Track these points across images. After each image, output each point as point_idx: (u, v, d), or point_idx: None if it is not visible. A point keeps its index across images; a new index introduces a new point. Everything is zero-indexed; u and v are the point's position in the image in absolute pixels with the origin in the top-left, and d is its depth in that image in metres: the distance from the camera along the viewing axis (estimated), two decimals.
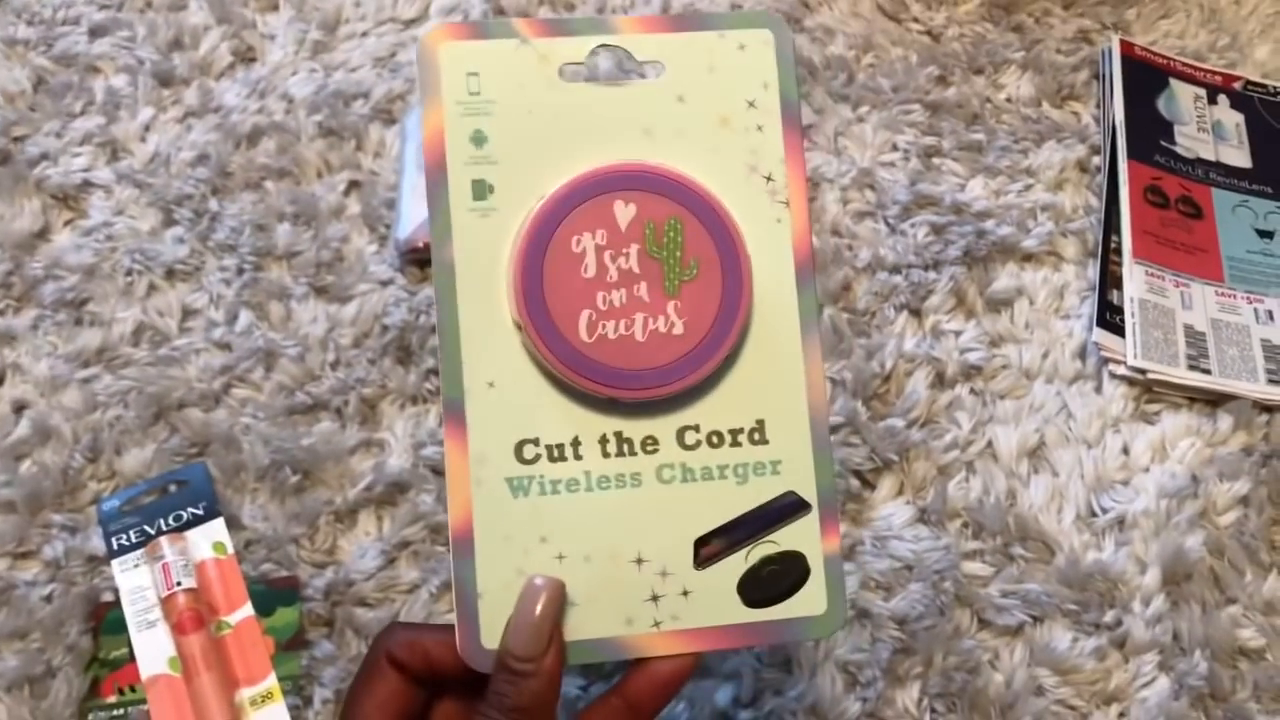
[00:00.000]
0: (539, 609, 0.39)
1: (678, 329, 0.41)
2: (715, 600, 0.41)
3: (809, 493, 0.42)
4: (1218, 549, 0.63)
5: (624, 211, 0.41)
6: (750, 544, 0.42)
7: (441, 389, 0.41)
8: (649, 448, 0.41)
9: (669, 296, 0.41)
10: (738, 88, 0.43)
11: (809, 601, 0.42)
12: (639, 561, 0.41)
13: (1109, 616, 0.60)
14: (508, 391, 0.41)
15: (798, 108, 0.43)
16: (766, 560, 0.42)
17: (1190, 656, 0.59)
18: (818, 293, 0.42)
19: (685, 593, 0.41)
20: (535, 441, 0.41)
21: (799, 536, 0.42)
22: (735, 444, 0.42)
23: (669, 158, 0.42)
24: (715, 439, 0.42)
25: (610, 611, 0.41)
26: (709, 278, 0.41)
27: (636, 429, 0.41)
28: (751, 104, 0.43)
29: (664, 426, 0.41)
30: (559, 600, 0.40)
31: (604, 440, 0.41)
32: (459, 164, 0.41)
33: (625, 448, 0.41)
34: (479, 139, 0.41)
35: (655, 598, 0.41)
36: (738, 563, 0.42)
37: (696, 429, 0.42)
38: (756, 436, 0.42)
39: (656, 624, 0.41)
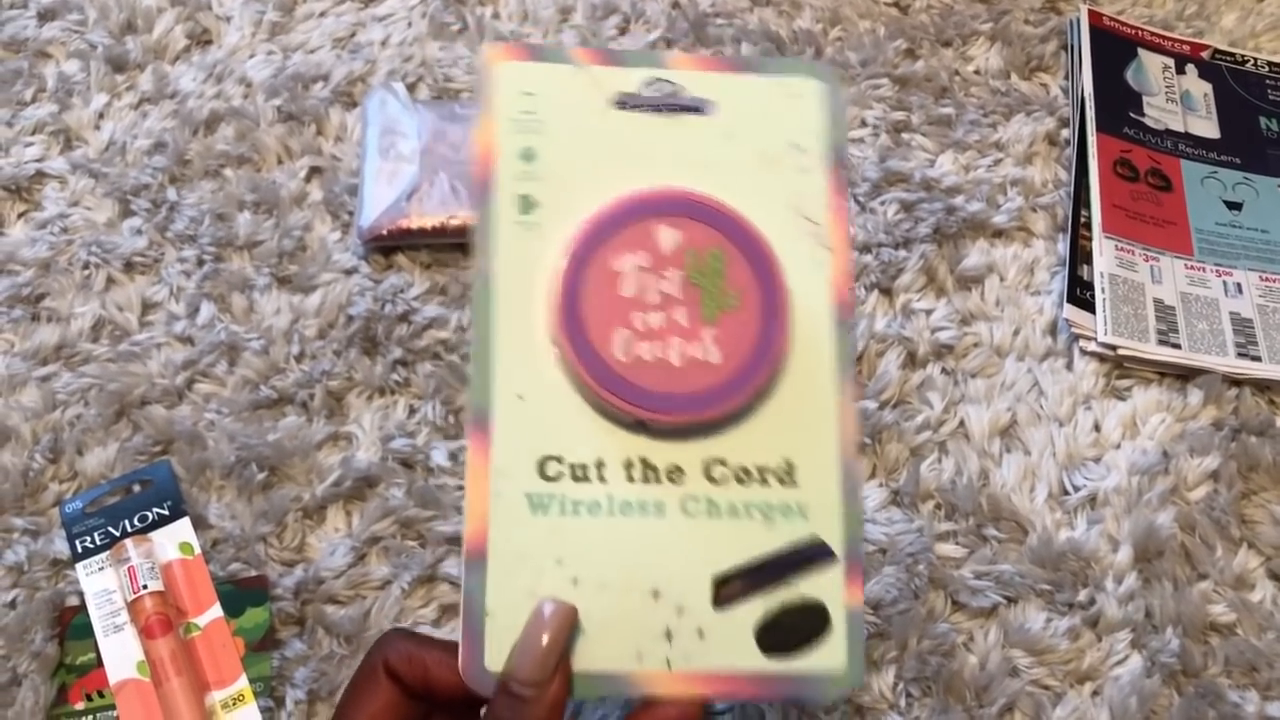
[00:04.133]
0: (548, 634, 0.37)
1: (714, 357, 0.40)
2: (731, 643, 0.40)
3: (835, 541, 0.41)
4: (1188, 525, 0.63)
5: (668, 236, 0.41)
6: (771, 588, 0.40)
7: (469, 396, 0.40)
8: (674, 477, 0.40)
9: (707, 324, 0.41)
10: (786, 132, 0.43)
11: (827, 655, 0.40)
12: (656, 595, 0.40)
13: (1082, 595, 0.61)
14: (536, 405, 0.40)
15: (845, 159, 0.43)
16: (787, 607, 0.40)
17: (1162, 633, 0.60)
18: (855, 337, 0.43)
19: (700, 632, 0.40)
20: (559, 459, 0.40)
21: (822, 586, 0.41)
22: (763, 482, 0.41)
23: (714, 191, 0.42)
24: (743, 475, 0.41)
25: (621, 644, 0.39)
26: (748, 310, 0.41)
27: (663, 456, 0.40)
28: (799, 148, 0.43)
29: (691, 456, 0.41)
30: (569, 626, 0.38)
31: (629, 465, 0.40)
32: (507, 178, 0.41)
33: (650, 474, 0.40)
34: (528, 155, 0.42)
35: (669, 634, 0.40)
36: (757, 607, 0.40)
37: (724, 463, 0.41)
38: (785, 478, 0.41)
39: (668, 662, 0.39)
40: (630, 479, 0.40)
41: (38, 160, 0.70)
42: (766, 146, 0.43)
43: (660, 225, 0.41)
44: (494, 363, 0.40)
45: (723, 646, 0.40)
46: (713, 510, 0.40)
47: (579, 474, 0.40)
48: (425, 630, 0.57)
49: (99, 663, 0.54)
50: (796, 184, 0.43)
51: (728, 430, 0.41)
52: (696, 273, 0.41)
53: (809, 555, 0.41)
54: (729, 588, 0.40)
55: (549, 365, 0.40)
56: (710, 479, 0.40)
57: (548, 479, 0.40)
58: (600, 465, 0.40)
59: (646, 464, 0.40)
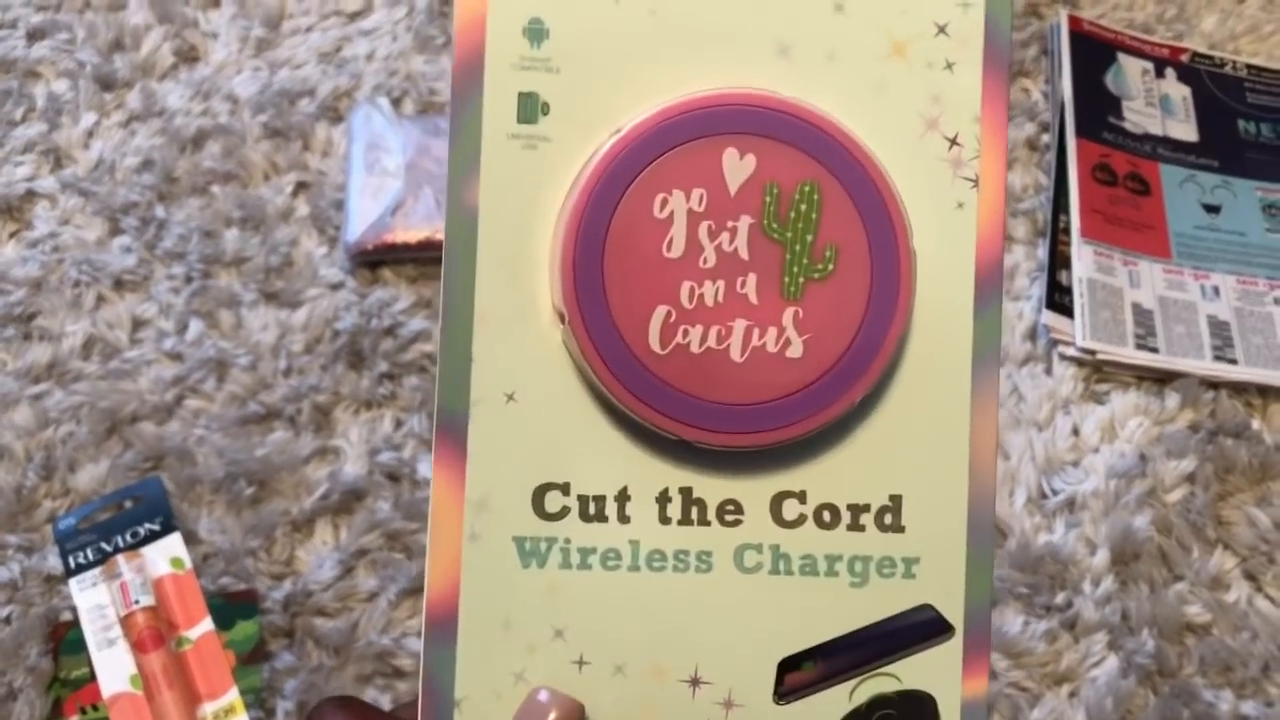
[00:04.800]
0: None
1: (794, 349, 0.29)
2: None
3: (953, 608, 0.30)
4: (1165, 527, 0.64)
5: (737, 165, 0.29)
6: (860, 675, 0.30)
7: (437, 396, 0.29)
8: (728, 517, 0.30)
9: (788, 300, 0.29)
10: (923, 2, 0.30)
11: None
12: (694, 683, 0.30)
13: (1059, 598, 0.62)
14: (534, 411, 0.29)
15: (1008, 43, 0.30)
16: (881, 701, 0.30)
17: (1138, 635, 0.61)
18: (1001, 318, 0.31)
19: None
20: (564, 488, 0.29)
21: (931, 671, 0.30)
22: (856, 526, 0.30)
23: (811, 93, 0.29)
24: (828, 516, 0.30)
25: None
26: (850, 278, 0.29)
27: (713, 488, 0.30)
28: (942, 29, 0.30)
29: (754, 489, 0.30)
30: None
31: (664, 498, 0.30)
32: (502, 66, 0.29)
33: (694, 513, 0.30)
34: (537, 32, 0.29)
35: None
36: (838, 700, 0.30)
37: (801, 498, 0.30)
38: (889, 519, 0.30)
39: None
40: (665, 519, 0.30)
41: (28, 180, 0.71)
42: (893, 25, 0.30)
43: (727, 147, 0.29)
44: (474, 346, 0.29)
45: None
46: (782, 565, 0.30)
47: (592, 511, 0.29)
48: (412, 643, 0.58)
49: (93, 677, 0.56)
50: (935, 84, 0.30)
51: (811, 453, 0.30)
52: (775, 222, 0.29)
53: (916, 629, 0.30)
54: (799, 674, 0.30)
55: (553, 353, 0.29)
56: (780, 521, 0.30)
57: (547, 517, 0.29)
58: (623, 498, 0.29)
59: (689, 498, 0.30)
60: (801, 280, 0.29)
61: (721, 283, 0.29)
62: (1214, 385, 0.69)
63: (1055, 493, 0.65)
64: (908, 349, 0.30)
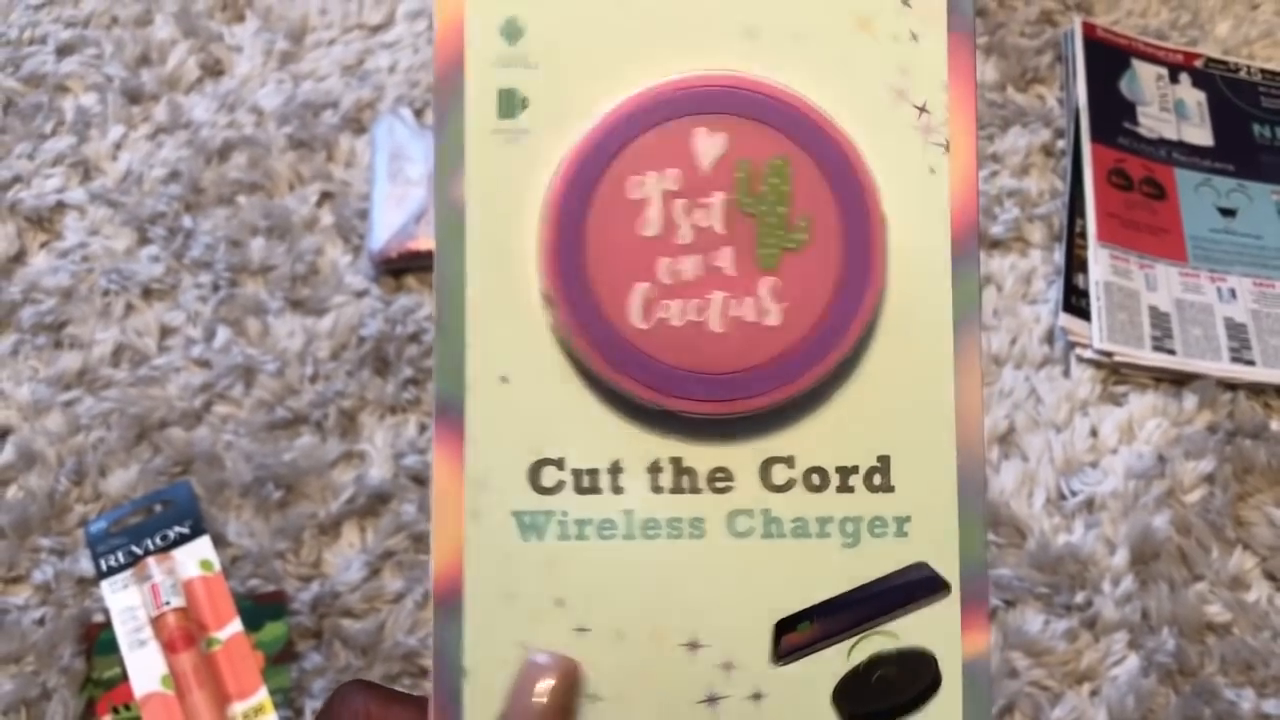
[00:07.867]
0: (542, 699, 0.29)
1: (773, 317, 0.30)
2: (799, 712, 0.30)
3: (948, 565, 0.30)
4: (1184, 527, 0.64)
5: (708, 144, 0.30)
6: (857, 634, 0.30)
7: (434, 382, 0.30)
8: (719, 484, 0.30)
9: (764, 270, 0.30)
10: None
11: None
12: (693, 646, 0.30)
13: (1079, 598, 0.62)
14: (526, 391, 0.30)
15: (971, 10, 0.31)
16: (879, 660, 0.30)
17: (1159, 634, 0.61)
18: (979, 278, 0.31)
19: (756, 696, 0.30)
20: (559, 463, 0.30)
21: (929, 628, 0.30)
22: (845, 488, 0.30)
23: (778, 70, 0.30)
24: (816, 479, 0.30)
25: (647, 714, 0.30)
26: (824, 247, 0.30)
27: (703, 456, 0.30)
28: (905, 1, 0.31)
29: (742, 456, 0.30)
30: (571, 689, 0.29)
31: (655, 468, 0.30)
32: (482, 65, 0.30)
33: (685, 481, 0.30)
34: (512, 31, 0.30)
35: (712, 700, 0.30)
36: (836, 660, 0.30)
37: (789, 463, 0.30)
38: (878, 480, 0.30)
39: None
40: (657, 488, 0.30)
41: (58, 191, 0.72)
42: (858, 2, 0.31)
43: (697, 128, 0.30)
44: (467, 332, 0.30)
45: (788, 716, 0.30)
46: (773, 528, 0.30)
47: (586, 483, 0.30)
48: None
49: (125, 677, 0.57)
50: (901, 55, 0.31)
51: (796, 418, 0.30)
52: (749, 196, 0.30)
53: (911, 587, 0.30)
54: (795, 635, 0.30)
55: (542, 335, 0.30)
56: (770, 485, 0.30)
57: (543, 491, 0.30)
58: (616, 470, 0.30)
59: (680, 467, 0.30)
60: (778, 251, 0.30)
61: (699, 257, 0.29)
62: (1232, 386, 0.69)
63: (1074, 493, 0.65)
64: (886, 312, 0.31)
